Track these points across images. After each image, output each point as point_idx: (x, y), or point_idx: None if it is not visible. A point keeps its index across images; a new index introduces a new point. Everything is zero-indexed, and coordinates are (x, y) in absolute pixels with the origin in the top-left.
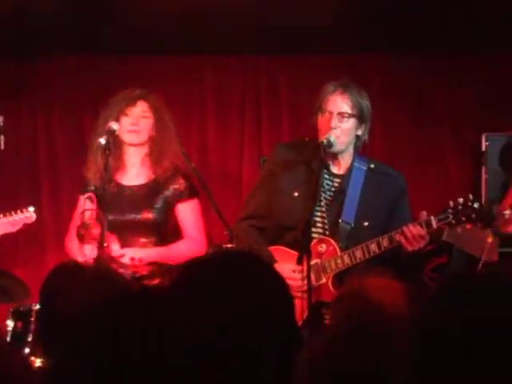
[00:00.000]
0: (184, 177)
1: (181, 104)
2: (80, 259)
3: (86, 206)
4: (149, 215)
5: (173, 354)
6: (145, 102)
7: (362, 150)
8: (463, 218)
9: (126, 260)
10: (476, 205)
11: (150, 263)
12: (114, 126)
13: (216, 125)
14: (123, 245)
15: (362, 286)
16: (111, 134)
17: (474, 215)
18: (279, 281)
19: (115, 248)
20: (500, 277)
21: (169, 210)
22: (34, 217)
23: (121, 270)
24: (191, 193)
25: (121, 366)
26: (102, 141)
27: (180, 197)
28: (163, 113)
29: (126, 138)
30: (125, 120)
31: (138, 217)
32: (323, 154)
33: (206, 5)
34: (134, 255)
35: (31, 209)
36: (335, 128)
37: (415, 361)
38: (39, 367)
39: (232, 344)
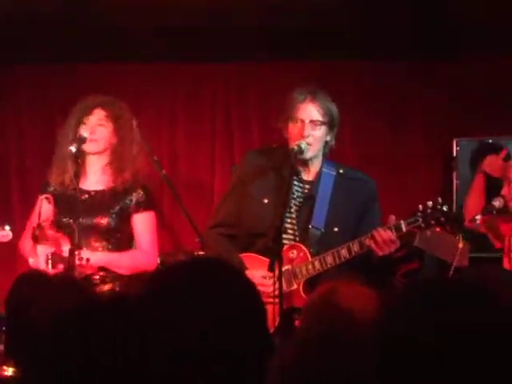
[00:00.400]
0: (143, 188)
1: (151, 111)
2: (31, 260)
3: (44, 206)
4: (103, 220)
5: (156, 360)
6: (102, 110)
7: (334, 156)
8: (432, 222)
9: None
10: (445, 208)
11: (99, 268)
12: (84, 133)
13: (187, 133)
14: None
15: (333, 292)
16: (82, 141)
17: (443, 218)
18: (251, 287)
19: (65, 249)
20: (470, 282)
21: (125, 218)
22: (10, 235)
23: (69, 271)
24: (149, 205)
25: (92, 373)
26: (73, 149)
27: (138, 207)
28: (124, 121)
29: (86, 147)
30: (82, 129)
31: (93, 221)
32: (294, 160)
33: (178, 13)
34: (83, 255)
35: (7, 227)
36: (308, 136)
37: (377, 366)
38: (11, 376)
39: (211, 350)
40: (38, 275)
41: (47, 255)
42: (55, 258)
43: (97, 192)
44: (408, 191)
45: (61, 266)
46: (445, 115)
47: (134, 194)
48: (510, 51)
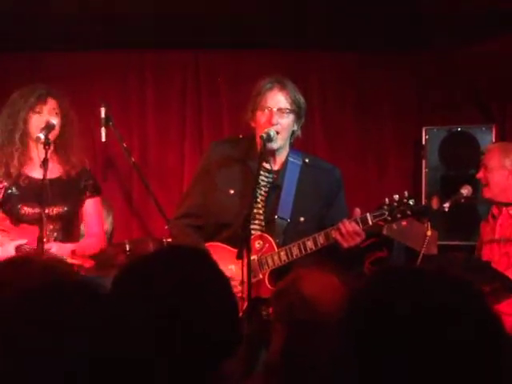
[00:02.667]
0: (90, 174)
1: (120, 100)
2: None
3: None
4: (61, 209)
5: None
6: (54, 100)
7: (305, 146)
8: (398, 215)
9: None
10: (411, 201)
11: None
12: (53, 120)
13: (156, 121)
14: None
15: (297, 279)
16: (50, 128)
17: (409, 212)
18: (223, 277)
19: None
20: (432, 267)
21: (77, 205)
22: None
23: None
24: (97, 190)
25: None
26: (41, 136)
27: (90, 192)
28: (69, 110)
29: (38, 135)
30: (36, 118)
31: (49, 210)
32: (263, 148)
33: (146, 2)
34: (48, 247)
35: None
36: (276, 124)
37: (343, 352)
38: None
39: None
40: (21, 258)
41: (17, 247)
42: (26, 249)
43: (51, 181)
44: (378, 179)
45: None
46: (414, 104)
47: (84, 180)
48: (480, 41)
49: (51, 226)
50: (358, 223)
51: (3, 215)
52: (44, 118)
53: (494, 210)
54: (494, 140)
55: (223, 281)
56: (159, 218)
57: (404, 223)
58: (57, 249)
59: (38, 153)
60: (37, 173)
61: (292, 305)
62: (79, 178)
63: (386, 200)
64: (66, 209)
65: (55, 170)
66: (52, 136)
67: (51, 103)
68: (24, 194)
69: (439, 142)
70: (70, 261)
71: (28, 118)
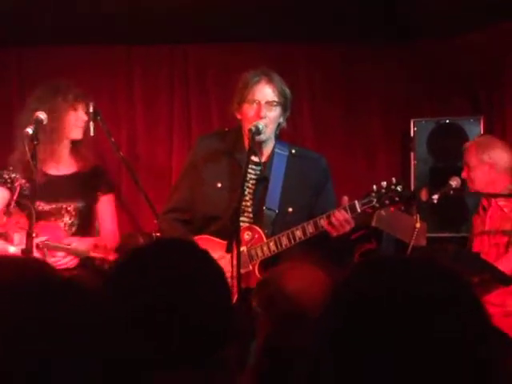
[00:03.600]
0: (104, 171)
1: (109, 94)
2: (12, 249)
3: (4, 196)
4: (76, 204)
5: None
6: (84, 103)
7: (294, 138)
8: (387, 201)
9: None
10: (399, 188)
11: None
12: (41, 115)
13: (145, 116)
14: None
15: (281, 273)
16: (39, 123)
17: (397, 198)
18: (215, 265)
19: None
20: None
21: (93, 201)
22: None
23: (51, 259)
24: (111, 187)
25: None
26: (30, 130)
27: (104, 190)
28: (97, 116)
29: (74, 133)
30: (73, 115)
31: (67, 205)
32: (251, 141)
33: None
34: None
35: None
36: (264, 117)
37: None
38: None
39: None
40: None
41: (38, 244)
42: (49, 246)
43: (67, 177)
44: (366, 172)
45: (59, 254)
46: (402, 96)
47: (98, 177)
48: (466, 32)
49: (70, 221)
50: (346, 211)
51: (21, 213)
52: (80, 115)
53: (484, 202)
54: (482, 131)
55: (216, 270)
56: (149, 213)
57: (392, 209)
58: (77, 243)
59: (63, 150)
60: (54, 170)
61: (272, 296)
62: (93, 175)
63: (374, 187)
64: (83, 204)
65: (71, 167)
66: (81, 135)
67: (83, 103)
68: (40, 191)
69: (427, 133)
70: (92, 254)
71: (66, 115)
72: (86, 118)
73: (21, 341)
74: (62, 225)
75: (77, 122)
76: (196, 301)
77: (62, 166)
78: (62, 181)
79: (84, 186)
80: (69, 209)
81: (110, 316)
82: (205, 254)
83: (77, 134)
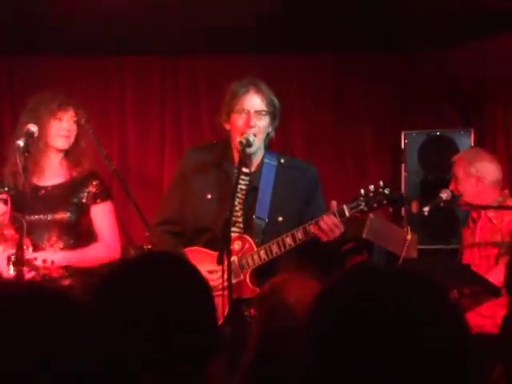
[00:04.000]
0: (99, 179)
1: (100, 105)
2: None
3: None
4: (64, 215)
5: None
6: (72, 108)
7: (282, 149)
8: (375, 205)
9: (38, 262)
10: (387, 190)
11: (63, 266)
12: (32, 128)
13: (136, 126)
14: (37, 246)
15: (282, 285)
16: (30, 136)
17: (385, 201)
18: (202, 281)
19: (27, 251)
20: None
21: (83, 211)
22: None
23: (32, 273)
24: (106, 195)
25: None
26: (21, 143)
27: (95, 199)
28: (87, 124)
29: (57, 142)
30: (56, 124)
31: (53, 217)
32: (242, 153)
33: (128, 5)
34: (47, 258)
35: None
36: (254, 126)
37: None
38: None
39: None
40: None
41: (8, 257)
42: (17, 259)
43: (54, 187)
44: (357, 184)
45: (25, 268)
46: (393, 108)
47: (90, 186)
48: (458, 44)
49: (51, 233)
50: (335, 215)
51: (8, 225)
52: (64, 124)
53: (474, 214)
54: (472, 143)
55: (201, 283)
56: (140, 225)
57: (382, 219)
58: (53, 258)
59: (50, 160)
60: (43, 181)
61: (274, 310)
62: (83, 184)
63: (362, 191)
64: (68, 215)
65: (60, 176)
66: (67, 145)
67: (71, 111)
68: (21, 202)
69: (418, 146)
70: (39, 267)
71: (48, 125)
72: (71, 126)
73: (18, 343)
74: (45, 237)
75: (59, 131)
76: (183, 314)
77: (51, 176)
78: (49, 191)
79: (73, 196)
80: (55, 220)
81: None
82: (189, 266)
83: (61, 143)
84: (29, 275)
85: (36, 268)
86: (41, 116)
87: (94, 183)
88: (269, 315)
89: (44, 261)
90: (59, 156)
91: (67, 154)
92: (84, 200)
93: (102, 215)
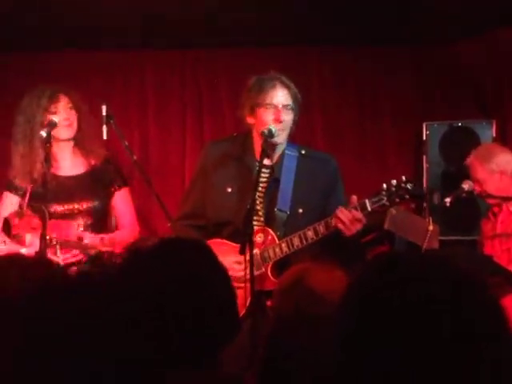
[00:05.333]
0: (114, 166)
1: (121, 98)
2: (24, 250)
3: (13, 200)
4: (91, 204)
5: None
6: (66, 96)
7: (303, 142)
8: (397, 199)
9: (94, 240)
10: (409, 185)
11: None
12: (54, 118)
13: (157, 118)
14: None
15: (304, 273)
16: (52, 126)
17: (407, 196)
18: (221, 269)
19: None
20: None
21: (106, 198)
22: None
23: (80, 255)
24: (124, 181)
25: (60, 350)
26: (43, 133)
27: (117, 185)
28: (82, 105)
29: (62, 134)
30: (54, 118)
31: (80, 206)
32: (265, 144)
33: (145, 2)
34: (104, 236)
35: None
36: (283, 121)
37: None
38: None
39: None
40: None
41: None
42: (63, 244)
43: (78, 177)
44: (378, 176)
45: (75, 251)
46: (414, 99)
47: (110, 173)
48: (477, 36)
49: (82, 221)
50: (357, 210)
51: (33, 214)
52: (62, 116)
53: (495, 208)
54: (494, 135)
55: (220, 270)
56: (161, 216)
57: (404, 211)
58: (88, 239)
59: (62, 151)
60: (63, 171)
61: (299, 300)
62: (105, 171)
63: (384, 185)
64: (96, 203)
65: (80, 166)
66: (72, 133)
67: (64, 100)
68: (52, 193)
69: (440, 137)
70: (101, 248)
71: (45, 121)
72: (69, 114)
73: (21, 341)
74: (76, 225)
75: (62, 122)
76: (200, 301)
77: (70, 166)
78: (73, 181)
79: (96, 184)
80: (82, 209)
81: (112, 316)
82: (208, 252)
83: (65, 133)
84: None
85: (85, 247)
86: (35, 114)
87: (112, 170)
88: (293, 306)
89: (102, 238)
90: (70, 145)
91: (77, 142)
92: (106, 188)
93: (125, 200)
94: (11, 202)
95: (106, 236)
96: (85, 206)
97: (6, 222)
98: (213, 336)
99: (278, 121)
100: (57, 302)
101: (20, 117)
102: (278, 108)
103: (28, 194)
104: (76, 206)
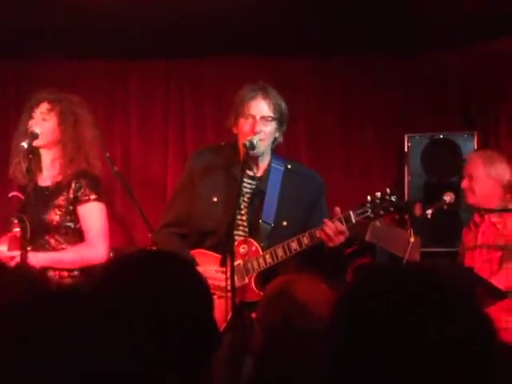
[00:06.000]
0: (87, 179)
1: (104, 109)
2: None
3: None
4: (52, 216)
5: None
6: (47, 104)
7: (287, 153)
8: (381, 212)
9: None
10: (393, 198)
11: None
12: (36, 129)
13: (140, 129)
14: (40, 247)
15: (289, 284)
16: (34, 137)
17: (391, 208)
18: (199, 279)
19: (3, 249)
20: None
21: (71, 211)
22: None
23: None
24: (92, 195)
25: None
26: (24, 145)
27: (80, 199)
28: (70, 114)
29: (23, 144)
30: (31, 122)
31: (45, 217)
32: (246, 156)
33: (132, 8)
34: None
35: None
36: (259, 132)
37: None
38: None
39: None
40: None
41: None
42: (22, 260)
43: (46, 188)
44: (361, 186)
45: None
46: (396, 111)
47: (76, 186)
48: (460, 48)
49: (49, 235)
50: (341, 222)
51: (15, 224)
52: (32, 121)
53: (476, 218)
54: (476, 147)
55: (198, 282)
56: (143, 227)
57: (386, 224)
58: (30, 259)
59: (43, 160)
60: (42, 181)
61: (287, 313)
62: (69, 184)
63: (369, 197)
64: (56, 217)
65: (52, 177)
66: (43, 140)
67: (43, 106)
68: (29, 205)
69: (421, 149)
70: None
71: (27, 124)
72: (40, 122)
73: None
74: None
75: (29, 127)
76: (179, 313)
77: (48, 176)
78: (43, 192)
79: (60, 197)
80: (48, 222)
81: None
82: (189, 266)
83: (36, 141)
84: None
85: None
86: (23, 119)
87: (81, 184)
88: (280, 318)
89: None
90: (49, 154)
91: (58, 155)
92: (70, 201)
93: (87, 215)
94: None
95: (49, 259)
96: (50, 217)
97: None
98: (193, 349)
99: (252, 131)
100: (49, 310)
101: (19, 122)
102: (255, 118)
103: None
104: (44, 217)
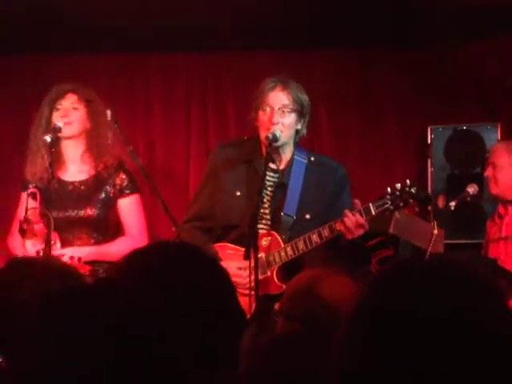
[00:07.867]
0: (125, 172)
1: (126, 102)
2: (21, 255)
3: (29, 202)
4: (91, 212)
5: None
6: (74, 95)
7: (311, 146)
8: (401, 204)
9: (65, 259)
10: (413, 189)
11: (89, 262)
12: (59, 123)
13: (162, 122)
14: (66, 242)
15: (315, 281)
16: (56, 131)
17: (411, 200)
18: (223, 273)
19: (55, 247)
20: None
21: (110, 205)
22: None
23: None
24: (133, 188)
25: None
26: (48, 138)
27: (121, 192)
28: (96, 105)
29: (63, 131)
30: (56, 114)
31: (81, 213)
32: (269, 148)
33: (152, 3)
34: (73, 254)
35: None
36: (277, 123)
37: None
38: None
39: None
40: (25, 261)
41: (37, 251)
42: (45, 255)
43: (80, 183)
44: (383, 179)
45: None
46: (419, 103)
47: (116, 179)
48: (482, 38)
49: (80, 230)
50: (361, 214)
51: (36, 220)
52: (60, 112)
53: (501, 210)
54: (499, 138)
55: (222, 278)
56: (166, 221)
57: (409, 215)
58: (80, 255)
59: (70, 154)
60: (69, 175)
61: (312, 310)
62: (109, 178)
63: (389, 189)
64: (94, 211)
65: (85, 172)
66: (72, 131)
67: (70, 98)
68: (54, 199)
69: (445, 140)
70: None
71: (50, 117)
72: (70, 111)
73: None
74: (74, 233)
75: (60, 119)
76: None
77: (77, 171)
78: (76, 187)
79: (99, 192)
80: (83, 217)
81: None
82: (212, 261)
83: (66, 131)
84: None
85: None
86: (44, 112)
87: (121, 176)
88: (306, 315)
89: (71, 257)
90: (77, 149)
91: (89, 146)
92: (111, 195)
93: (128, 209)
94: (29, 203)
95: (79, 256)
96: (85, 214)
97: (21, 225)
98: (223, 335)
99: (270, 122)
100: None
101: (36, 115)
102: (273, 109)
103: (38, 198)
104: (77, 213)
